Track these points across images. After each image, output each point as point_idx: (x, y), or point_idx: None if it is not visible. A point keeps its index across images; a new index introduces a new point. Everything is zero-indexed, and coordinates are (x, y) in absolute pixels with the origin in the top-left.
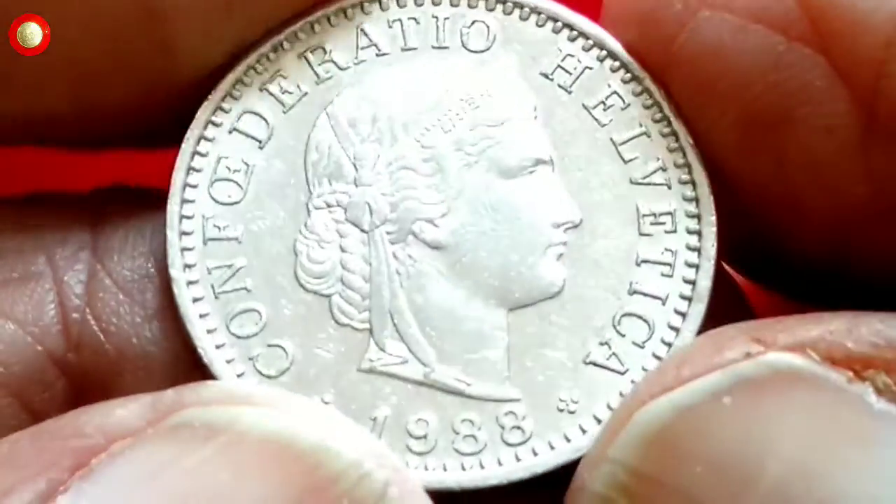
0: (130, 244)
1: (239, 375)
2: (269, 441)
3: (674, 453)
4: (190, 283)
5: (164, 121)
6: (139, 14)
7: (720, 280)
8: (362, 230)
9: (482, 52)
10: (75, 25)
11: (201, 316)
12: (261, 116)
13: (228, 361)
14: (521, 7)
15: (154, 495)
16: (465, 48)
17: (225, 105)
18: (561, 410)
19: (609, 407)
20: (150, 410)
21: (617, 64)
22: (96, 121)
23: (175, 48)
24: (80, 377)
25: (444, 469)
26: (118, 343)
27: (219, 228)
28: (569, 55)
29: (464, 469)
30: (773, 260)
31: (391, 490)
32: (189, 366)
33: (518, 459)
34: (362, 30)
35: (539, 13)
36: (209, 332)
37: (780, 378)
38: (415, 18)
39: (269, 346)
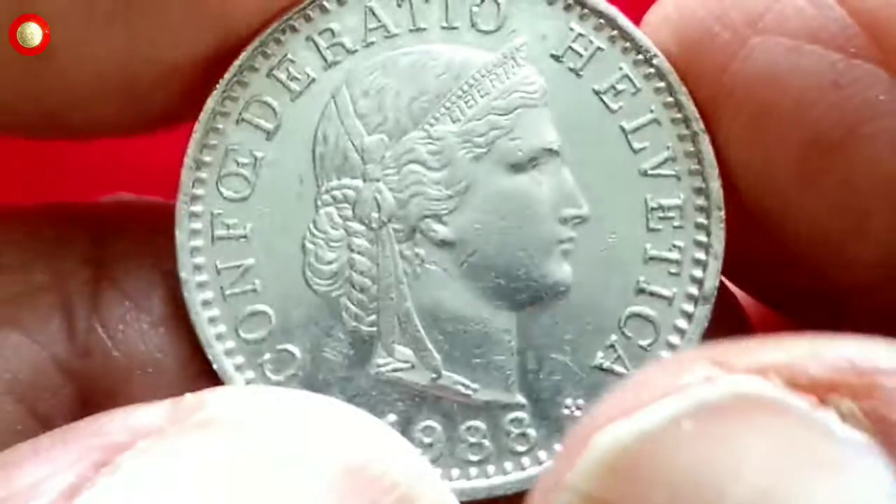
0: (134, 252)
1: (248, 381)
2: (301, 431)
3: (633, 480)
4: (199, 285)
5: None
6: None
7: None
8: (370, 228)
9: (492, 32)
10: None
11: (210, 320)
12: (268, 105)
13: (238, 367)
14: None
15: (182, 485)
16: (475, 28)
17: (233, 92)
18: (566, 417)
19: None
20: (172, 412)
21: (629, 45)
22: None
23: None
24: (87, 383)
25: (450, 479)
26: (125, 349)
27: (227, 226)
28: (580, 35)
29: (468, 479)
30: (806, 289)
31: (424, 468)
32: (197, 371)
33: (522, 468)
34: (371, 9)
35: None
36: (218, 337)
37: (741, 403)
38: None
39: (278, 350)
